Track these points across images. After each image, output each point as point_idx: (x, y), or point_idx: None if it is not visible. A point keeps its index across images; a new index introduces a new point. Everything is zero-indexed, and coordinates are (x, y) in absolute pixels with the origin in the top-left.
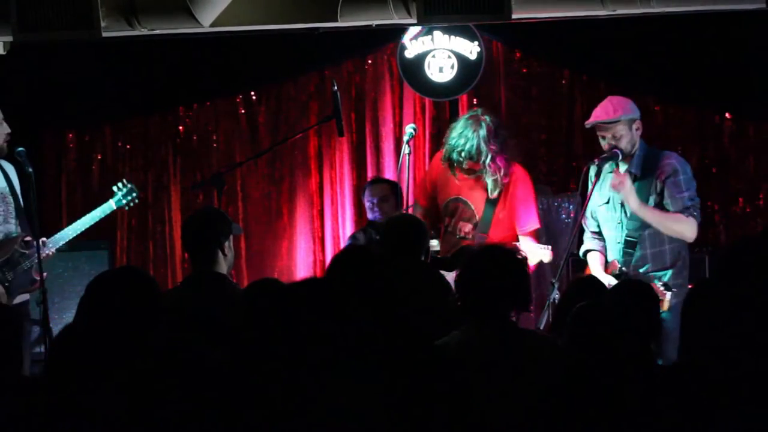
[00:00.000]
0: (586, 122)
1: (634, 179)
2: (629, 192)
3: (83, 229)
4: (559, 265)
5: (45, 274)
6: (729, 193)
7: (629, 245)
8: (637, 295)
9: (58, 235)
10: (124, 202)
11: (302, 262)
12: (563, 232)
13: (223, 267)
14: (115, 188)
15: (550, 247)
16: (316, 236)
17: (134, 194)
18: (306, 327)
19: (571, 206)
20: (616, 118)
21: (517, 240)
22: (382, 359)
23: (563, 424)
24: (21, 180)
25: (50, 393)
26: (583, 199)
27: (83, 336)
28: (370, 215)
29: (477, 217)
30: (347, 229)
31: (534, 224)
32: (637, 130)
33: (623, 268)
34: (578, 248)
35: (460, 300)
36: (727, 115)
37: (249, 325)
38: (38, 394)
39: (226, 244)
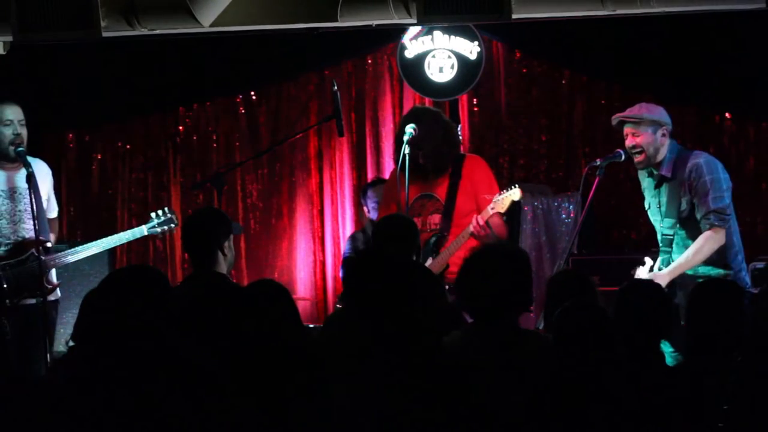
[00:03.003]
0: (612, 117)
1: (666, 181)
2: (662, 278)
3: (106, 249)
4: (559, 265)
5: (57, 282)
6: None
7: (666, 243)
8: (646, 295)
9: (79, 248)
10: (159, 230)
11: (302, 262)
12: (563, 232)
13: (223, 267)
14: (153, 215)
15: (516, 185)
16: (316, 236)
17: (172, 225)
18: (306, 327)
19: (571, 206)
20: (639, 115)
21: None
22: (381, 359)
23: (562, 423)
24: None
25: (53, 391)
26: (584, 199)
27: (95, 335)
28: (373, 215)
29: (442, 202)
30: (347, 229)
31: (495, 191)
32: (663, 136)
33: (661, 266)
34: (578, 248)
35: (460, 300)
36: (727, 115)
37: (248, 326)
38: (40, 392)
39: (226, 244)
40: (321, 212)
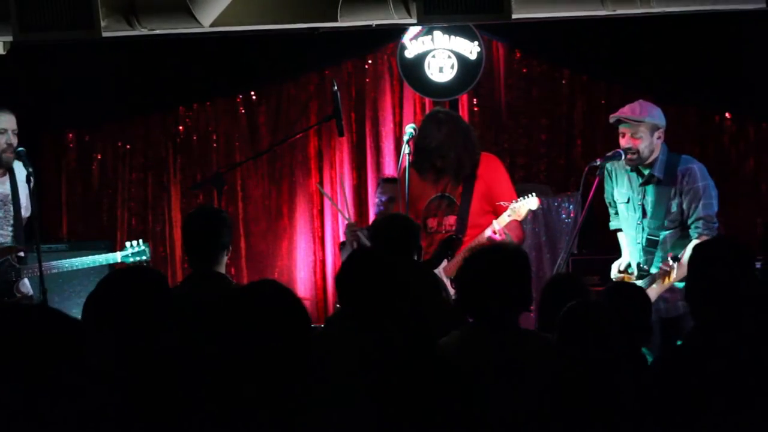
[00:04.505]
0: (611, 116)
1: (657, 182)
2: (652, 292)
3: (80, 267)
4: (559, 266)
5: (41, 291)
6: (729, 193)
7: (650, 244)
8: (629, 299)
9: (54, 263)
10: (130, 259)
11: (302, 262)
12: (563, 232)
13: (223, 267)
14: (128, 244)
15: (533, 193)
16: (316, 236)
17: (144, 257)
18: (305, 327)
19: (571, 206)
20: (640, 118)
21: (496, 217)
22: (382, 359)
23: (562, 423)
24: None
25: (52, 389)
26: (584, 199)
27: (92, 333)
28: (375, 211)
29: (458, 204)
30: None
31: (512, 197)
32: (658, 138)
33: (645, 267)
34: (578, 248)
35: (460, 300)
36: (727, 115)
37: (247, 326)
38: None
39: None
40: (321, 212)
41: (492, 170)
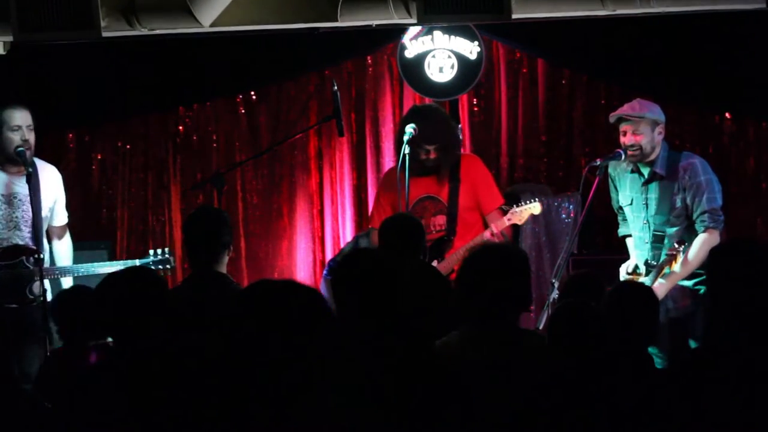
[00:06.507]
0: (611, 115)
1: (660, 179)
2: (661, 288)
3: (94, 273)
4: (559, 266)
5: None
6: (729, 194)
7: (657, 239)
8: (635, 299)
9: (69, 267)
10: (152, 268)
11: (302, 262)
12: (563, 232)
13: (224, 267)
14: (151, 252)
15: (536, 198)
16: (316, 236)
17: (168, 266)
18: (306, 327)
19: (571, 206)
20: (641, 113)
21: (481, 215)
22: (382, 359)
23: (560, 423)
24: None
25: (51, 393)
26: (584, 199)
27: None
28: None
29: (445, 204)
30: (347, 229)
31: (498, 200)
32: (659, 134)
33: (653, 263)
34: (578, 248)
35: (460, 300)
36: (727, 115)
37: (248, 325)
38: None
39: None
40: (321, 212)
41: (474, 170)
